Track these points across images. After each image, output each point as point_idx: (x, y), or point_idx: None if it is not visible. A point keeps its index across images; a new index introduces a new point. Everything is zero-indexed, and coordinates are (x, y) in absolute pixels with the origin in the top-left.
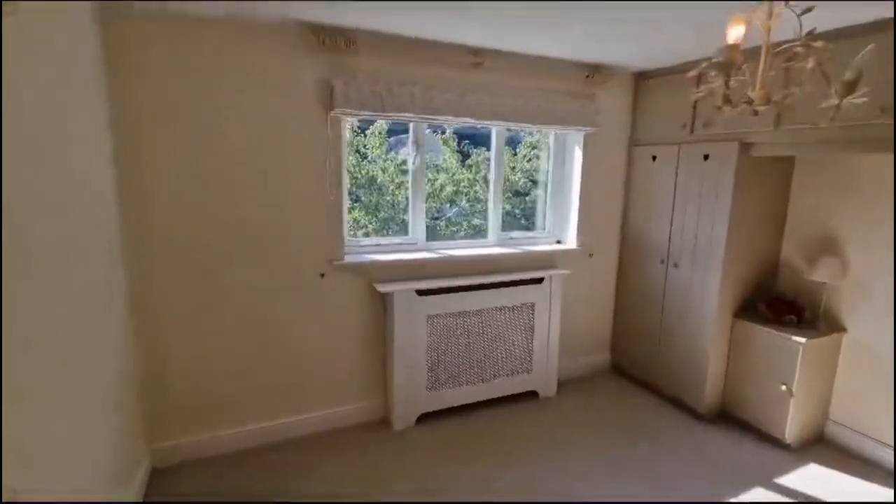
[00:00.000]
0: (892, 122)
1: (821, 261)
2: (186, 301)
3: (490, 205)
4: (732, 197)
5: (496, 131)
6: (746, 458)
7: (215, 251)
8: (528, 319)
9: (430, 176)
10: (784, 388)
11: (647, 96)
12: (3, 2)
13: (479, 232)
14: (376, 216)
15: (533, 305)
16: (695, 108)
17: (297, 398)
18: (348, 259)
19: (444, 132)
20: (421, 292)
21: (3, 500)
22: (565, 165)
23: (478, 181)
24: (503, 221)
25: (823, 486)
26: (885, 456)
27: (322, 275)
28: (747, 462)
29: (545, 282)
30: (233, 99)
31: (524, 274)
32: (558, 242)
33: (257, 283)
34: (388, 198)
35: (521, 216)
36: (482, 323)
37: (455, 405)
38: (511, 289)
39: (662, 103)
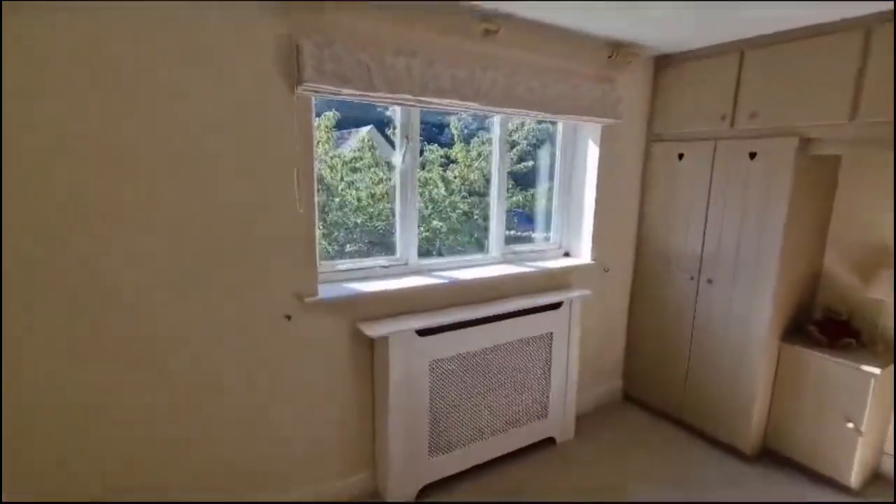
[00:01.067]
0: None
1: (879, 275)
2: (63, 351)
3: (493, 211)
4: (789, 203)
5: (500, 120)
6: None
7: (126, 285)
8: (545, 353)
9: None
10: (851, 425)
11: (671, 83)
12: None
13: (470, 245)
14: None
15: (551, 335)
16: (736, 95)
17: (255, 478)
18: (324, 292)
19: (392, 126)
20: (422, 332)
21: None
22: (575, 163)
23: (432, 182)
24: (458, 226)
25: None
26: None
27: (288, 316)
28: None
29: (563, 306)
30: (148, 80)
31: (539, 298)
32: (566, 255)
33: (195, 332)
34: (361, 212)
35: (479, 216)
36: (495, 363)
37: (463, 469)
38: (526, 318)
39: (692, 91)
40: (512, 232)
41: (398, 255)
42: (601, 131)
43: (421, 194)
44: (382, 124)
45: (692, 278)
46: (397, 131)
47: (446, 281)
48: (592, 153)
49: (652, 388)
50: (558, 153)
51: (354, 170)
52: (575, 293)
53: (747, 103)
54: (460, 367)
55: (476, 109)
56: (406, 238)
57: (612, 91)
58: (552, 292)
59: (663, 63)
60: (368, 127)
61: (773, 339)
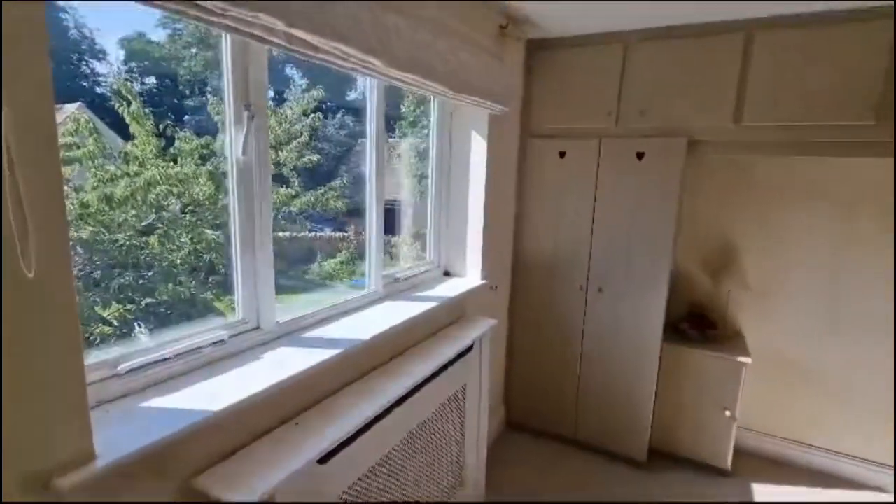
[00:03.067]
0: (862, 124)
1: (726, 271)
2: None
3: (370, 224)
4: (678, 206)
5: (378, 92)
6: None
7: None
8: (459, 412)
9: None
10: (728, 413)
11: (547, 72)
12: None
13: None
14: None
15: (465, 388)
16: (621, 90)
17: None
18: (109, 445)
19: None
20: (325, 457)
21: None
22: (454, 160)
23: (200, 177)
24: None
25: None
26: (798, 454)
27: None
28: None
29: (475, 347)
30: None
31: (447, 345)
32: (447, 275)
33: None
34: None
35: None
36: (408, 454)
37: None
38: (441, 375)
39: (574, 83)
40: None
41: (240, 313)
42: (488, 121)
43: (180, 196)
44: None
45: (581, 288)
46: (229, 96)
47: (336, 351)
48: (478, 148)
49: (540, 410)
50: (433, 147)
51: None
52: (481, 327)
53: (635, 100)
54: (374, 486)
55: (375, 72)
56: (254, 281)
57: (500, 70)
58: (455, 329)
59: (537, 47)
60: (76, 104)
61: (658, 343)
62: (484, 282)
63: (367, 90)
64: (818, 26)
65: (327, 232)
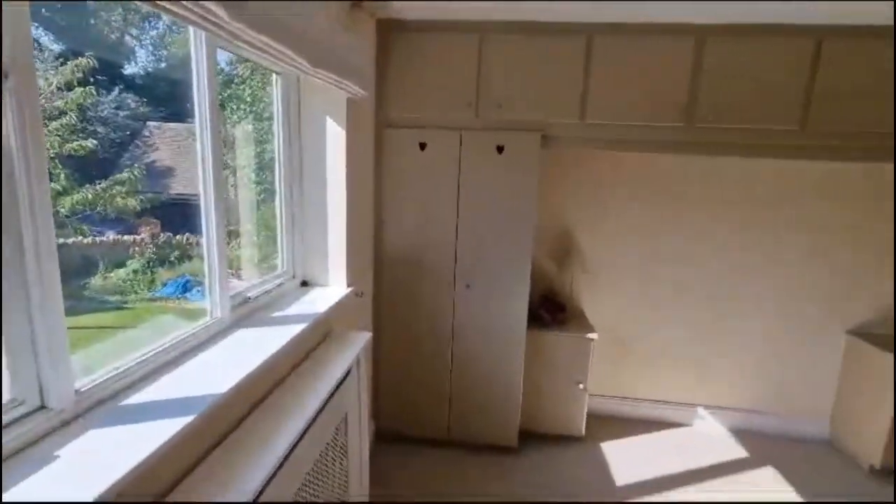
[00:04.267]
0: (684, 125)
1: (568, 257)
2: None
3: (211, 238)
4: (537, 199)
5: (209, 60)
6: (575, 473)
7: None
8: (342, 450)
9: None
10: (581, 386)
11: (405, 57)
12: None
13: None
14: None
15: (345, 420)
16: (478, 82)
17: None
18: None
19: None
20: None
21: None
22: (304, 151)
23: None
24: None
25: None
26: (630, 408)
27: None
28: (575, 476)
29: (353, 371)
30: None
31: (321, 375)
32: (304, 285)
33: None
34: None
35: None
36: None
37: None
38: (314, 427)
39: (433, 71)
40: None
41: (6, 389)
42: (346, 105)
43: None
44: None
45: (448, 285)
46: None
47: (173, 430)
48: (336, 137)
49: (412, 416)
50: (278, 135)
51: None
52: (356, 344)
53: (493, 92)
54: None
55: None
56: (29, 331)
57: (361, 48)
58: (326, 352)
59: (390, 28)
60: None
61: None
62: (350, 289)
63: (196, 56)
64: (639, 35)
65: (110, 236)
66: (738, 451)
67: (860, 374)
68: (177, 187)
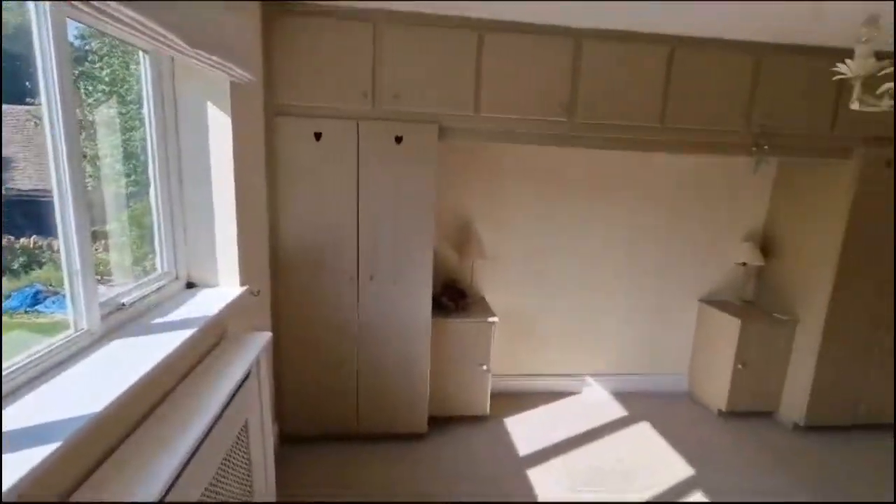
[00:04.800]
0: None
1: (468, 244)
2: None
3: (70, 237)
4: (436, 189)
5: (56, 31)
6: (481, 449)
7: None
8: (244, 457)
9: None
10: (484, 367)
11: (296, 42)
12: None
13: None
14: None
15: (246, 426)
16: (374, 71)
17: None
18: None
19: None
20: None
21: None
22: (182, 140)
23: None
24: None
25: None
26: (528, 383)
27: None
28: (482, 452)
29: (252, 374)
30: None
31: (215, 384)
32: (191, 286)
33: None
34: None
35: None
36: None
37: None
38: (210, 436)
39: (327, 58)
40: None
41: None
42: (229, 91)
43: None
44: None
45: (351, 278)
46: None
47: (47, 448)
48: (219, 125)
49: (318, 414)
50: (149, 120)
51: None
52: (254, 346)
53: (389, 83)
54: None
55: None
56: None
57: (245, 28)
58: (220, 358)
59: (274, 12)
60: None
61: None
62: (245, 288)
63: (38, 26)
64: (525, 35)
65: None
66: (620, 411)
67: (709, 335)
68: (19, 182)
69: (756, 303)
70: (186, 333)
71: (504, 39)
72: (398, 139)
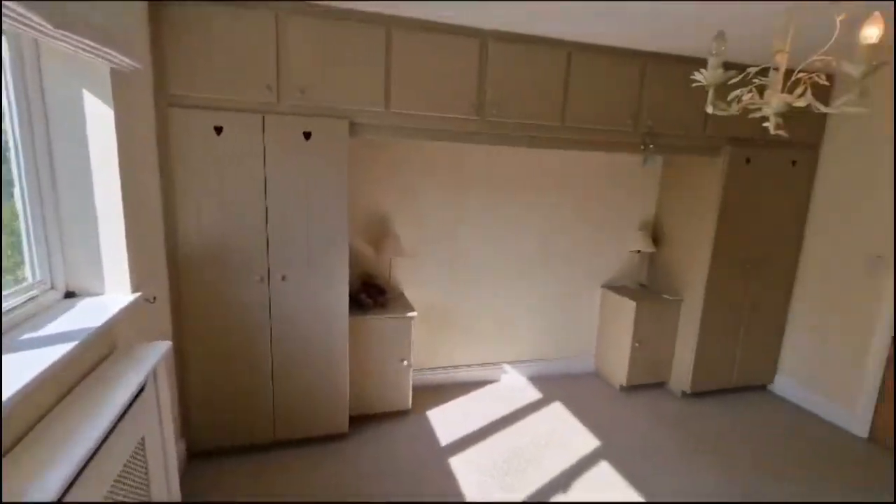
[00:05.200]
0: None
1: (385, 241)
2: None
3: None
4: (347, 185)
5: None
6: (404, 443)
7: None
8: (141, 476)
9: None
10: (405, 362)
11: (189, 29)
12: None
13: None
14: None
15: (143, 442)
16: (278, 62)
17: None
18: None
19: None
20: None
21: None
22: (52, 130)
23: None
24: None
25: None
26: (449, 375)
27: None
28: (404, 446)
29: (148, 388)
30: None
31: (105, 399)
32: (71, 296)
33: None
34: None
35: None
36: None
37: None
38: (97, 457)
39: (226, 47)
40: None
41: None
42: (111, 79)
43: None
44: None
45: (261, 279)
46: None
47: None
48: (99, 115)
49: (230, 426)
50: (8, 110)
51: None
52: (149, 357)
53: (295, 76)
54: None
55: None
56: None
57: (122, 12)
58: (107, 372)
59: None
60: None
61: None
62: (138, 295)
63: None
64: (433, 33)
65: None
66: (535, 394)
67: (611, 317)
68: None
69: (649, 286)
70: (63, 349)
71: (412, 37)
72: (307, 135)
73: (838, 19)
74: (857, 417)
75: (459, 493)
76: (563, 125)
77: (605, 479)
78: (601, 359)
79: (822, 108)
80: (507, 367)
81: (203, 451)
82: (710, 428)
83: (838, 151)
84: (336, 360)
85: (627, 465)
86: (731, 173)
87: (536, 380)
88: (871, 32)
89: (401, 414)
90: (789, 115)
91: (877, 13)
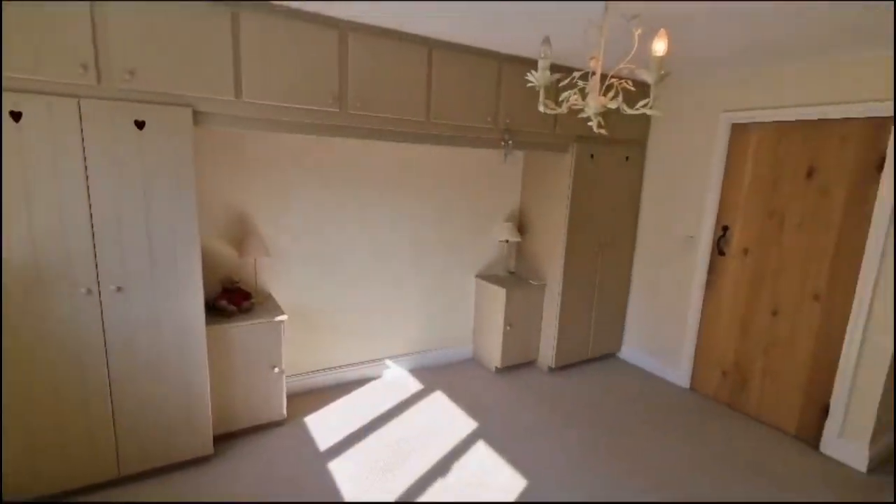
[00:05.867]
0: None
1: (247, 241)
2: None
3: None
4: (194, 181)
5: None
6: (279, 455)
7: None
8: None
9: None
10: (277, 369)
11: None
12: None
13: None
14: None
15: None
16: (95, 39)
17: None
18: None
19: None
20: None
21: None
22: None
23: None
24: None
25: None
26: (328, 377)
27: None
28: (283, 463)
29: None
30: None
31: None
32: None
33: None
34: None
35: None
36: None
37: None
38: None
39: (18, 11)
40: None
41: None
42: None
43: None
44: None
45: (88, 292)
46: None
47: None
48: None
49: (61, 467)
50: None
51: None
52: None
53: (121, 55)
54: None
55: None
56: None
57: None
58: None
59: None
60: None
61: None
62: None
63: None
64: (289, 19)
65: None
66: (417, 386)
67: (485, 305)
68: None
69: (517, 273)
70: None
71: (263, 22)
72: (139, 124)
73: (636, 33)
74: (681, 373)
75: (338, 496)
76: (428, 121)
77: (482, 457)
78: (478, 344)
79: (629, 110)
80: (388, 362)
81: (25, 501)
82: (570, 396)
83: (658, 148)
84: (193, 377)
85: (501, 440)
86: (578, 168)
87: (419, 371)
88: (659, 47)
89: (275, 425)
90: (623, 117)
91: (662, 30)
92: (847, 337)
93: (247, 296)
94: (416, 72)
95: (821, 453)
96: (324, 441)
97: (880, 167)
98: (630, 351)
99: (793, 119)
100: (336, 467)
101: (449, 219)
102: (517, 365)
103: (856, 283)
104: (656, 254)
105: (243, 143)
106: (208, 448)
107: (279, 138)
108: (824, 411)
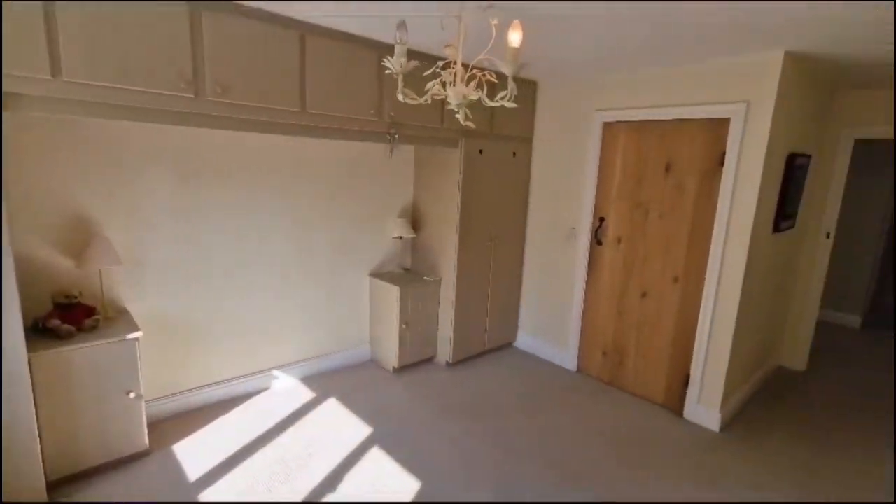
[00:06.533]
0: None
1: (90, 248)
2: None
3: None
4: (4, 181)
5: None
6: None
7: None
8: None
9: None
10: (133, 394)
11: None
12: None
13: None
14: None
15: None
16: None
17: None
18: None
19: None
20: None
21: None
22: None
23: None
24: None
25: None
26: (201, 397)
27: None
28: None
29: None
30: None
31: None
32: None
33: None
34: None
35: None
36: None
37: None
38: None
39: None
40: None
41: None
42: None
43: None
44: None
45: None
46: None
47: None
48: None
49: None
50: None
51: None
52: None
53: None
54: None
55: None
56: None
57: None
58: None
59: None
60: None
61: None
62: None
63: None
64: None
65: None
66: (308, 395)
67: (380, 304)
68: None
69: (412, 269)
70: None
71: None
72: None
73: (493, 23)
74: (569, 356)
75: None
76: (303, 111)
77: (375, 465)
78: (376, 345)
79: (489, 102)
80: (276, 372)
81: None
82: (466, 390)
83: (542, 145)
84: (14, 416)
85: (395, 444)
86: (467, 163)
87: (313, 378)
88: (514, 38)
89: (137, 457)
90: (509, 113)
91: (516, 21)
92: (701, 313)
93: (90, 311)
94: (287, 57)
95: (685, 419)
96: (195, 470)
97: (721, 162)
98: (525, 339)
99: (652, 118)
100: (209, 497)
101: (338, 216)
102: (415, 363)
103: (706, 265)
104: (544, 245)
105: (84, 132)
106: (40, 496)
107: (128, 128)
108: (686, 381)
